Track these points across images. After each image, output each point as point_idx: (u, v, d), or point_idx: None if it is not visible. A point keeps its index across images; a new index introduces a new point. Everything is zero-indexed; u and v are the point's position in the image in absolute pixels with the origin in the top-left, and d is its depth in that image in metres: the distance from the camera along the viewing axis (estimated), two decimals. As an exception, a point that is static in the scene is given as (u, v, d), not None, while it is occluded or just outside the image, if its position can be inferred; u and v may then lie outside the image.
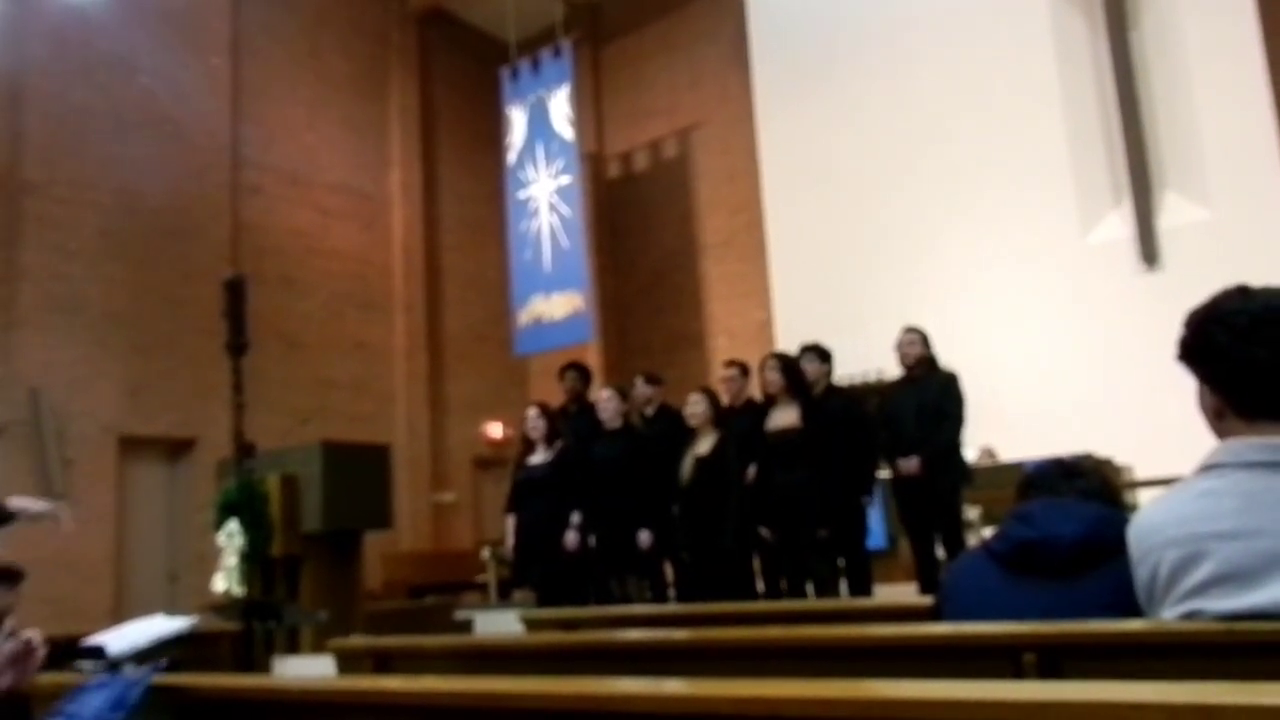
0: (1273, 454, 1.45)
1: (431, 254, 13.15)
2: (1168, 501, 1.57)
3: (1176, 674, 1.29)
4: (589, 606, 5.89)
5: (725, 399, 6.61)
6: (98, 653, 2.57)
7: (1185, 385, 1.62)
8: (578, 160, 12.11)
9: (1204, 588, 1.46)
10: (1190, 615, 1.48)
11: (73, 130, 9.70)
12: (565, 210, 11.88)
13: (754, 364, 6.65)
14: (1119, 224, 9.86)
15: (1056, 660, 1.65)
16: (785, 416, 6.01)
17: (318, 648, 5.10)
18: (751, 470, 6.02)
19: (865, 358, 9.04)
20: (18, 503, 3.76)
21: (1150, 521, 1.57)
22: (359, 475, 6.28)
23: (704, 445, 6.16)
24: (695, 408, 6.25)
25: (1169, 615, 1.52)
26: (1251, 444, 1.48)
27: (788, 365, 6.15)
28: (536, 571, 6.47)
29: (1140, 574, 1.58)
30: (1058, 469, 2.07)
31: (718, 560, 6.01)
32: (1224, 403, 1.53)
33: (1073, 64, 10.19)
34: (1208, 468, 1.53)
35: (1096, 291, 9.64)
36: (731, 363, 6.89)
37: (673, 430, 6.46)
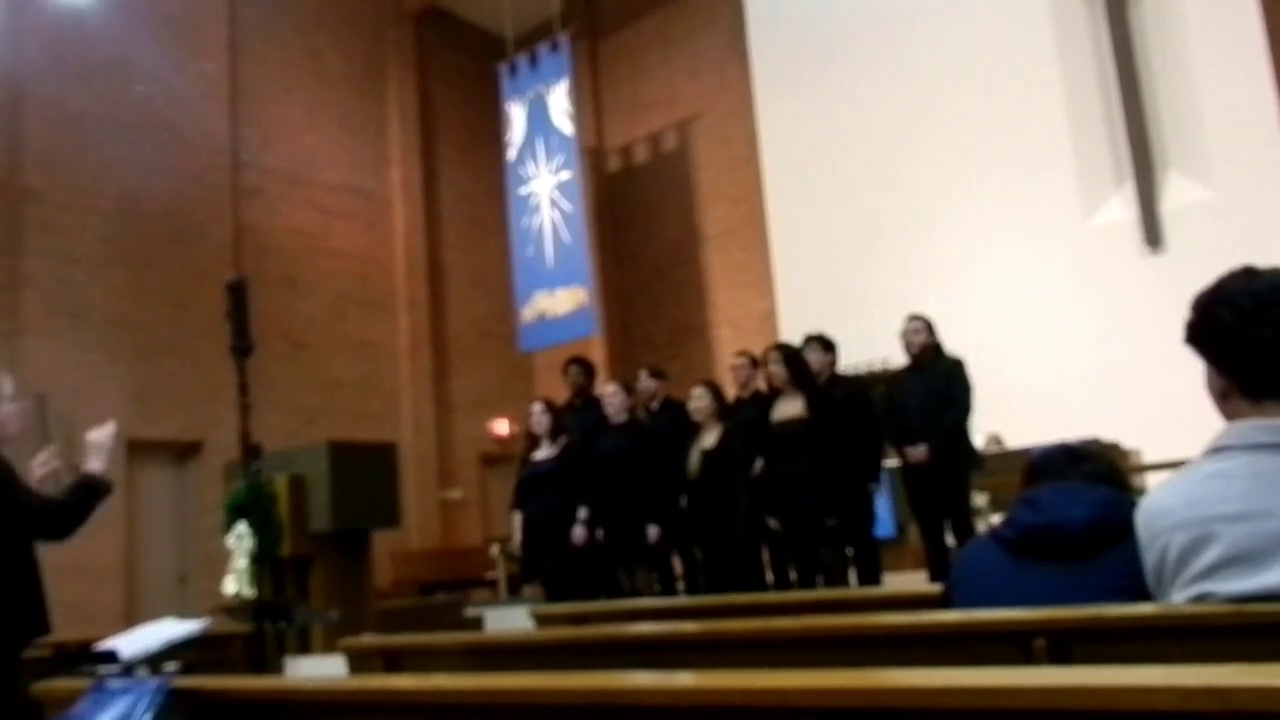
0: (1280, 435, 1.45)
1: (433, 252, 13.16)
2: (1176, 484, 1.57)
3: (1187, 657, 1.29)
4: (598, 600, 5.90)
5: (734, 388, 6.61)
6: (110, 657, 2.58)
7: (1192, 368, 1.61)
8: (578, 154, 12.10)
9: (1213, 570, 1.46)
10: (1200, 598, 1.48)
11: (72, 136, 9.70)
12: (566, 205, 11.87)
13: (760, 354, 6.65)
14: (1122, 206, 9.83)
15: (1066, 645, 1.65)
16: (790, 407, 6.01)
17: (329, 647, 5.12)
18: (759, 462, 6.02)
19: (870, 346, 9.02)
20: (93, 463, 3.51)
21: (1158, 505, 1.57)
22: (366, 474, 6.28)
23: (710, 438, 6.16)
24: (699, 401, 6.25)
25: (1178, 598, 1.52)
26: (1259, 425, 1.47)
27: (791, 356, 6.15)
28: (545, 566, 6.48)
29: (1149, 557, 1.57)
30: (1064, 453, 2.06)
31: (727, 552, 6.02)
32: (1231, 384, 1.52)
33: (1072, 45, 10.15)
34: (1215, 450, 1.52)
35: (1101, 274, 9.62)
36: (741, 353, 6.91)
37: (678, 423, 6.46)
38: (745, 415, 6.24)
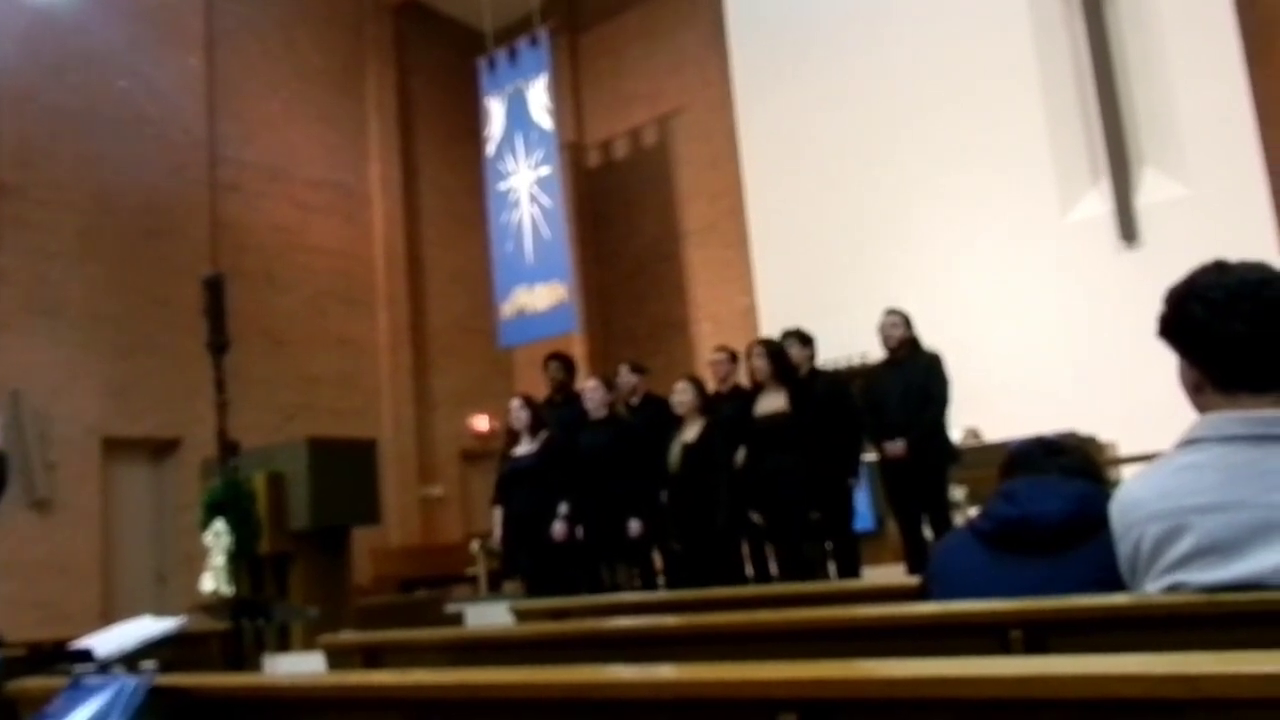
0: (1252, 427, 1.46)
1: (413, 248, 13.10)
2: (1149, 476, 1.59)
3: (1160, 646, 1.31)
4: (579, 595, 5.91)
5: (713, 383, 6.62)
6: (86, 655, 2.55)
7: (1166, 361, 1.63)
8: (557, 150, 12.07)
9: (1186, 560, 1.48)
10: (1173, 588, 1.50)
11: (48, 131, 9.60)
12: (546, 201, 11.85)
13: (739, 349, 6.67)
14: (1098, 202, 9.90)
15: (1042, 636, 1.66)
16: (773, 401, 6.03)
17: (308, 644, 5.10)
18: (740, 454, 6.04)
19: (849, 341, 9.05)
20: None
21: (1132, 496, 1.58)
22: (346, 471, 6.27)
23: (691, 432, 6.17)
24: (682, 396, 6.26)
25: (1152, 588, 1.53)
26: (1231, 418, 1.49)
27: (774, 351, 6.17)
28: (525, 562, 6.48)
29: (1123, 549, 1.59)
30: (1040, 447, 2.07)
31: (708, 546, 6.03)
32: (1203, 377, 1.54)
33: (1049, 43, 10.22)
34: (1188, 442, 1.54)
35: (1077, 270, 9.69)
36: (720, 348, 6.91)
37: (658, 418, 6.47)
38: (726, 410, 6.26)
